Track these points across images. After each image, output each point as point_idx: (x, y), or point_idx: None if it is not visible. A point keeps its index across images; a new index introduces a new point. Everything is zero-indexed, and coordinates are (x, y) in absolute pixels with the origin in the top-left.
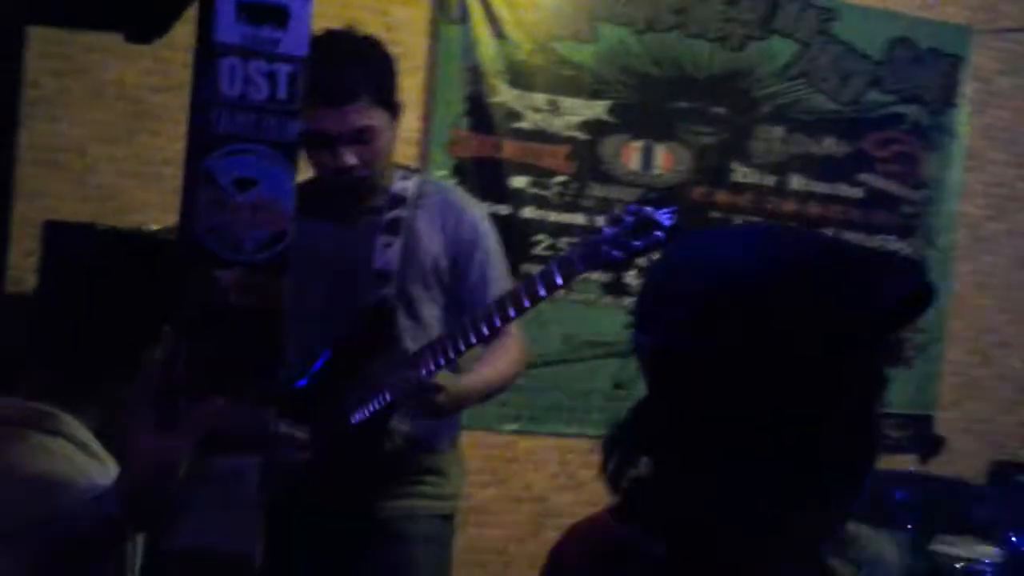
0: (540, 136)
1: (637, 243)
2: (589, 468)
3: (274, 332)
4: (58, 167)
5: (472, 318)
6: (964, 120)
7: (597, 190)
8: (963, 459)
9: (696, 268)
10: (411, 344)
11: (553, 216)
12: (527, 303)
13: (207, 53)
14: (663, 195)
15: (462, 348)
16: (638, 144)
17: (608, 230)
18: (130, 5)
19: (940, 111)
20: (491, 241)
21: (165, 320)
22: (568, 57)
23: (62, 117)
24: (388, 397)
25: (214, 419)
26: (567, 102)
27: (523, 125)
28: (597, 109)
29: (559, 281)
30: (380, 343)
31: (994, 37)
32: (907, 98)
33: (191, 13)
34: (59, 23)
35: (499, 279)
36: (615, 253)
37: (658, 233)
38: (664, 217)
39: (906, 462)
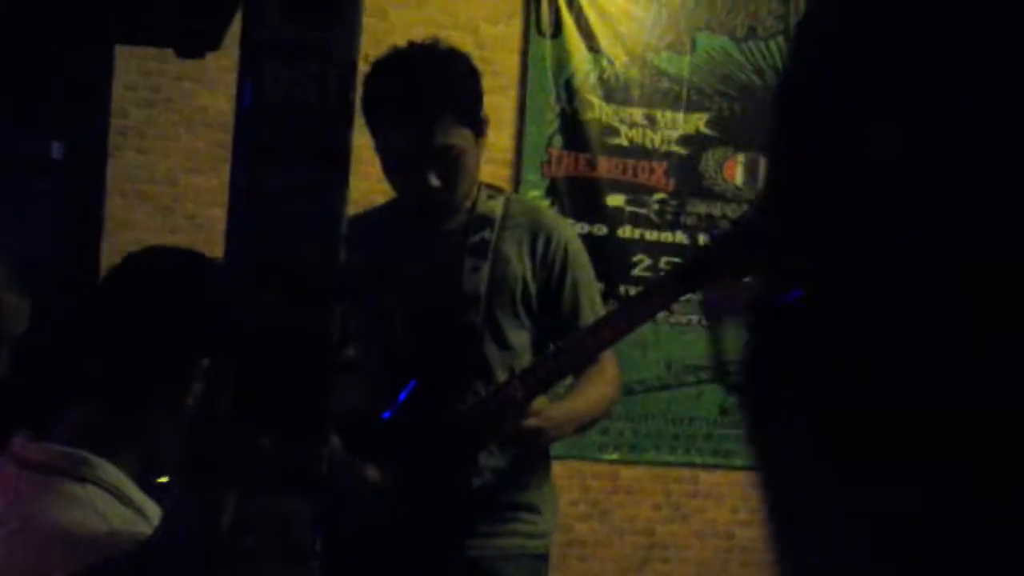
0: (637, 152)
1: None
2: (695, 498)
3: (326, 361)
4: (147, 198)
5: (568, 343)
6: None
7: (699, 207)
8: None
9: None
10: (500, 372)
11: (652, 235)
12: (626, 327)
13: (250, 55)
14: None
15: (556, 375)
16: (741, 157)
17: (718, 247)
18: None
19: None
20: (582, 264)
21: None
22: (664, 69)
23: (150, 148)
24: (478, 428)
25: (261, 460)
26: (665, 116)
27: (619, 141)
28: (696, 122)
29: (660, 304)
30: (469, 371)
31: None
32: None
33: None
34: (109, 40)
35: (591, 304)
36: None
37: None
38: None
39: None
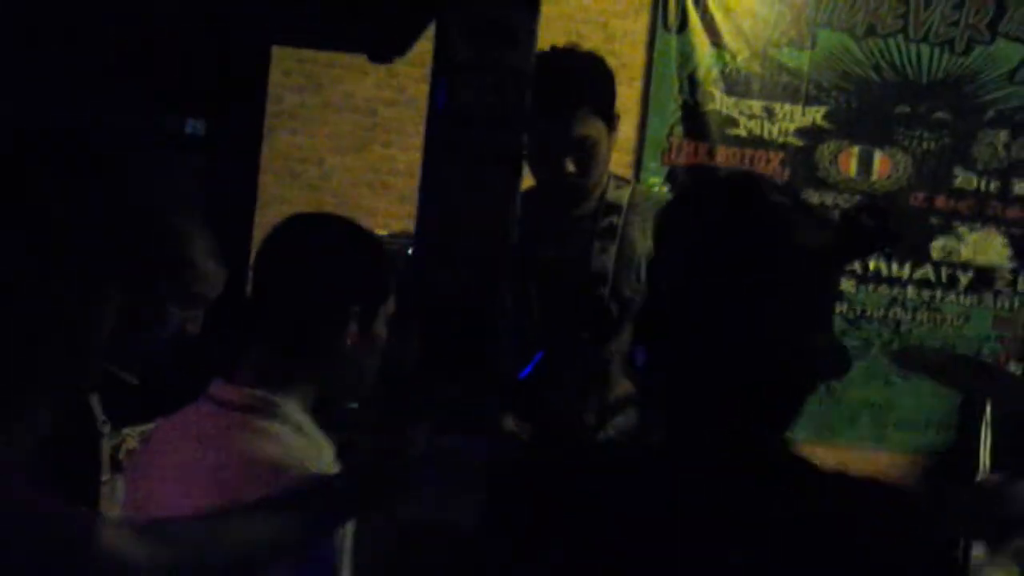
0: (755, 143)
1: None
2: None
3: (492, 327)
4: (296, 176)
5: None
6: None
7: (813, 196)
8: None
9: None
10: (620, 343)
11: None
12: None
13: (442, 70)
14: (881, 201)
15: None
16: (855, 150)
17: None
18: (374, 28)
19: None
20: None
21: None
22: (785, 63)
23: (301, 130)
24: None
25: (446, 404)
26: (783, 108)
27: (738, 132)
28: (814, 115)
29: None
30: (598, 341)
31: None
32: None
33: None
34: (310, 45)
35: None
36: None
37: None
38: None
39: None
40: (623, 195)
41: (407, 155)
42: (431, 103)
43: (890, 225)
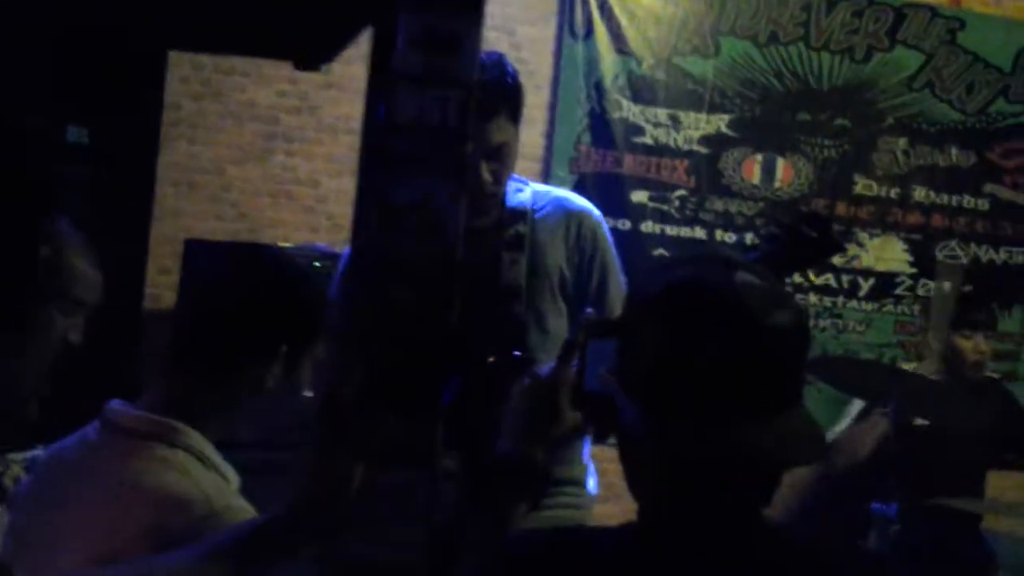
0: (661, 151)
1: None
2: None
3: (440, 349)
4: (196, 187)
5: None
6: None
7: (717, 204)
8: None
9: None
10: (542, 357)
11: (672, 230)
12: None
13: (385, 80)
14: (784, 208)
15: None
16: (759, 157)
17: (766, 246)
18: (300, 35)
19: None
20: (609, 247)
21: (284, 336)
22: (689, 71)
23: (200, 139)
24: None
25: (386, 435)
26: (688, 116)
27: (644, 140)
28: (718, 123)
29: None
30: (522, 363)
31: None
32: None
33: None
34: (230, 51)
35: (618, 285)
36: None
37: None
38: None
39: None
40: (525, 200)
41: (310, 164)
42: (369, 113)
43: (832, 234)
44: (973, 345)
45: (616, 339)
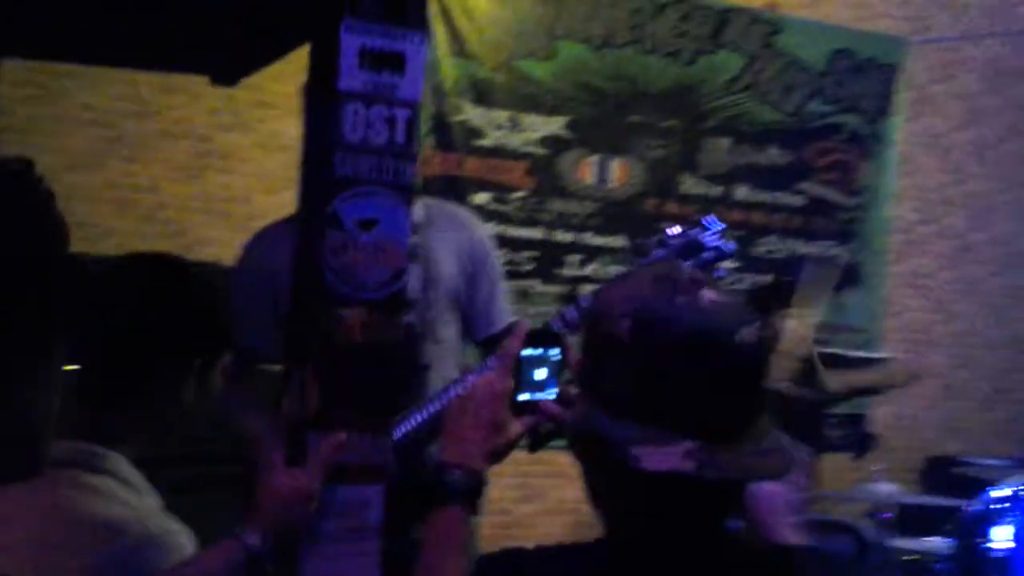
0: (500, 153)
1: (686, 264)
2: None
3: (394, 366)
4: (131, 205)
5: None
6: (898, 128)
7: (555, 204)
8: (893, 455)
9: None
10: (435, 366)
11: (512, 231)
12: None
13: (329, 99)
14: (617, 208)
15: None
16: (593, 158)
17: (658, 252)
18: (219, 50)
19: (876, 120)
20: (496, 258)
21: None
22: (528, 74)
23: (136, 157)
24: (425, 422)
25: (341, 452)
26: (527, 118)
27: (484, 142)
28: (555, 125)
29: None
30: (409, 370)
31: (927, 47)
32: (846, 108)
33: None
34: (148, 66)
35: (504, 295)
36: None
37: (705, 255)
38: (707, 238)
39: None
40: (417, 210)
41: (244, 181)
42: (312, 131)
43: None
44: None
45: (559, 350)
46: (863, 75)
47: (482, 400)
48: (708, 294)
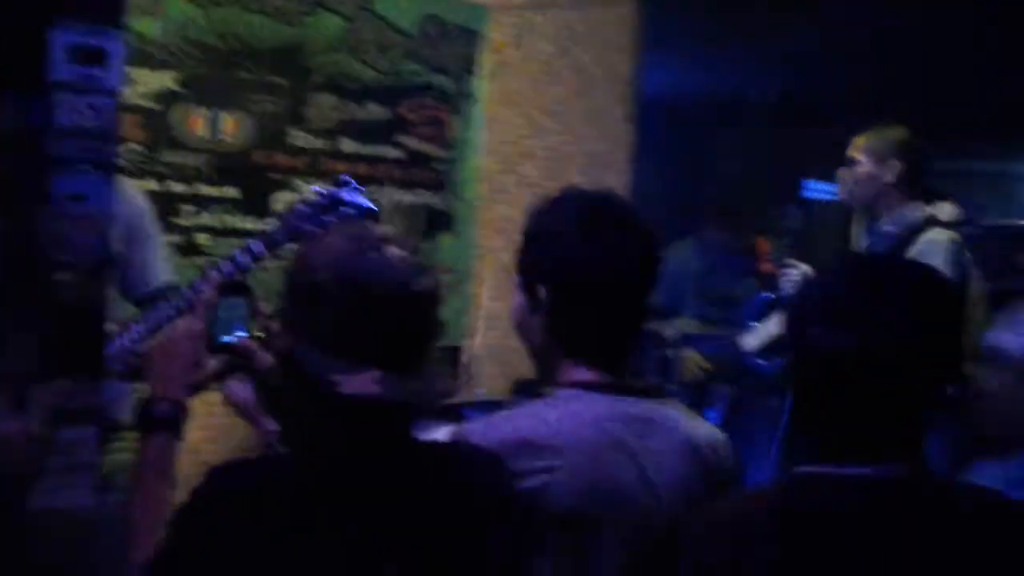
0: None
1: (328, 219)
2: None
3: (100, 323)
4: None
5: (178, 301)
6: (482, 87)
7: (168, 156)
8: (488, 380)
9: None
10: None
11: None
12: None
13: (43, 89)
14: (229, 159)
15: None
16: (205, 112)
17: (302, 207)
18: None
19: (462, 79)
20: (153, 221)
21: None
22: (139, 30)
23: None
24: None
25: (59, 397)
26: (139, 72)
27: None
28: (166, 80)
29: (265, 253)
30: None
31: (506, 15)
32: (436, 68)
33: None
34: None
35: (162, 258)
36: (308, 228)
37: (345, 208)
38: (347, 195)
39: None
40: None
41: None
42: (30, 119)
43: None
44: None
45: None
46: (450, 39)
47: (181, 341)
48: (393, 250)
